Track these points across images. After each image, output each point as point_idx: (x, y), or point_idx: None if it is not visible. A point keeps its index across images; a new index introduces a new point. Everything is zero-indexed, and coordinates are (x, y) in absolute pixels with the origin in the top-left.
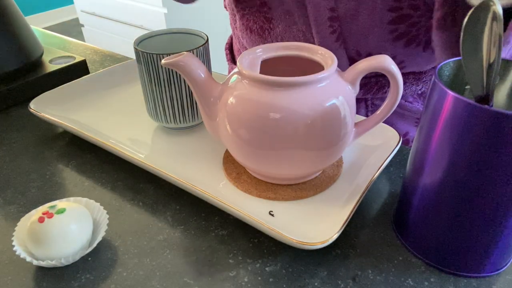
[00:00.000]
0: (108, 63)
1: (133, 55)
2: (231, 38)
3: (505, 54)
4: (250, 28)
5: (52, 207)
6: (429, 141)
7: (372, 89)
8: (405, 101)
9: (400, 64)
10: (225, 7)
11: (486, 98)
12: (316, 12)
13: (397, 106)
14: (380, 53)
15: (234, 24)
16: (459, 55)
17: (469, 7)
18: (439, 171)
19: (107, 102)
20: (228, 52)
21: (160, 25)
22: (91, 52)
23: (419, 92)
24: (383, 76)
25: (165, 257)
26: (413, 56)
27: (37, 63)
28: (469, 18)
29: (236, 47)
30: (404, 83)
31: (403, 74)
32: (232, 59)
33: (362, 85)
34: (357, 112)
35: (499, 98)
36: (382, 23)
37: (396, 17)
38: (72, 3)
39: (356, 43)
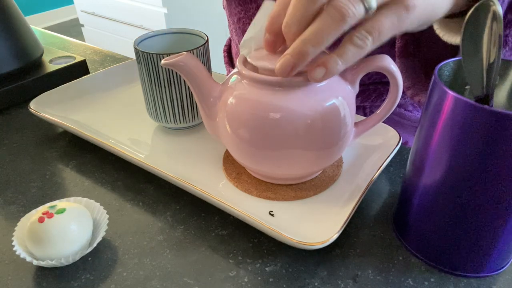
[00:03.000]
0: (108, 63)
1: (133, 55)
2: (229, 40)
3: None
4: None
5: (52, 207)
6: (429, 141)
7: (370, 96)
8: (405, 110)
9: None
10: (224, 8)
11: (486, 98)
12: None
13: (396, 115)
14: None
15: (230, 26)
16: (423, 81)
17: (435, 35)
18: (439, 171)
19: (107, 102)
20: (226, 54)
21: (160, 25)
22: (91, 52)
23: None
24: (381, 83)
25: (165, 257)
26: None
27: (37, 63)
28: (469, 18)
29: (234, 50)
30: (404, 91)
31: None
32: (230, 62)
33: (360, 92)
34: None
35: (499, 98)
36: None
37: None
38: (72, 3)
39: None
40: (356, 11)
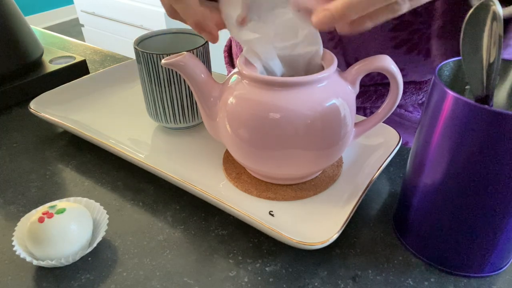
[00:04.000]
0: (108, 63)
1: (133, 55)
2: (230, 40)
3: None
4: None
5: (52, 207)
6: (429, 141)
7: (371, 97)
8: (405, 111)
9: (401, 72)
10: None
11: (486, 98)
12: None
13: (397, 115)
14: None
15: None
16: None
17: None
18: (439, 171)
19: (107, 102)
20: (227, 55)
21: (160, 25)
22: (91, 52)
23: (420, 101)
24: (382, 85)
25: (165, 257)
26: (414, 64)
27: (37, 63)
28: (469, 18)
29: (234, 50)
30: (405, 92)
31: (404, 83)
32: (230, 62)
33: (361, 93)
34: None
35: (499, 98)
36: (383, 30)
37: (397, 24)
38: (72, 3)
39: (355, 50)
40: None
